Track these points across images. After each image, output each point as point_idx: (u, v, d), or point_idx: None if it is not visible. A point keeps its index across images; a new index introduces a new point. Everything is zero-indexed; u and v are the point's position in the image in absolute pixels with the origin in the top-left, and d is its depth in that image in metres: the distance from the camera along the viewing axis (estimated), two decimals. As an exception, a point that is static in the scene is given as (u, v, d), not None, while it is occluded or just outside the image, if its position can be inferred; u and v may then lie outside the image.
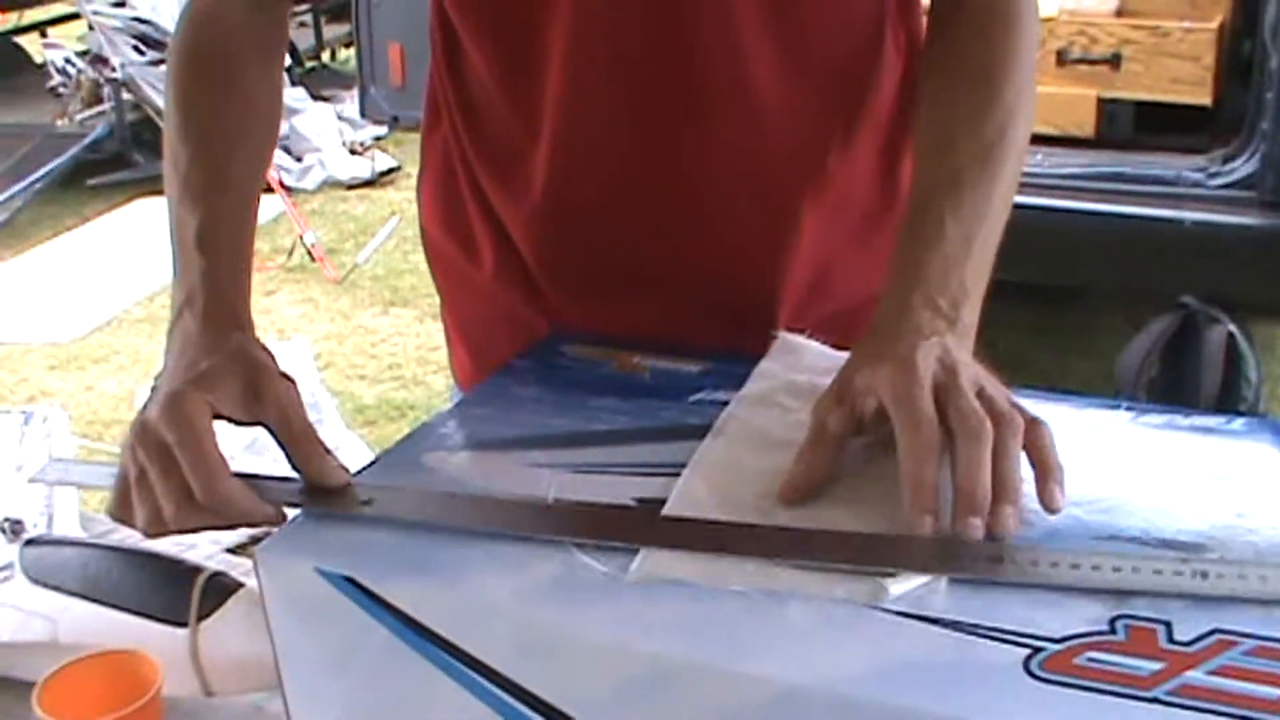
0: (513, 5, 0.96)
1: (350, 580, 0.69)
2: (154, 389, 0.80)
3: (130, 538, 1.24)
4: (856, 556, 0.67)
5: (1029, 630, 0.62)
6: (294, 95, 5.77)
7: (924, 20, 1.02)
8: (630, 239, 1.00)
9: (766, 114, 0.97)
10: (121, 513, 0.79)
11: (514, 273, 1.05)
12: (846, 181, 1.02)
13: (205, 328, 0.83)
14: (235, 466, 0.77)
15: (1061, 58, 2.88)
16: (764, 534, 0.70)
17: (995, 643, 0.61)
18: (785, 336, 0.92)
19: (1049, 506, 0.70)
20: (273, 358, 0.82)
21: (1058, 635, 0.61)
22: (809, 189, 1.00)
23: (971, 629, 0.62)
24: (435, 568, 0.70)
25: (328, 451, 0.78)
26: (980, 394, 0.73)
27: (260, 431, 0.80)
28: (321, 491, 0.78)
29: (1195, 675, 0.58)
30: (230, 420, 0.79)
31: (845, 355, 0.82)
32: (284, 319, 4.30)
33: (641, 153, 0.98)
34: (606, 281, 1.02)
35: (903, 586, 0.65)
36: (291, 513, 0.77)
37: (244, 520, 0.76)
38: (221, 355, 0.80)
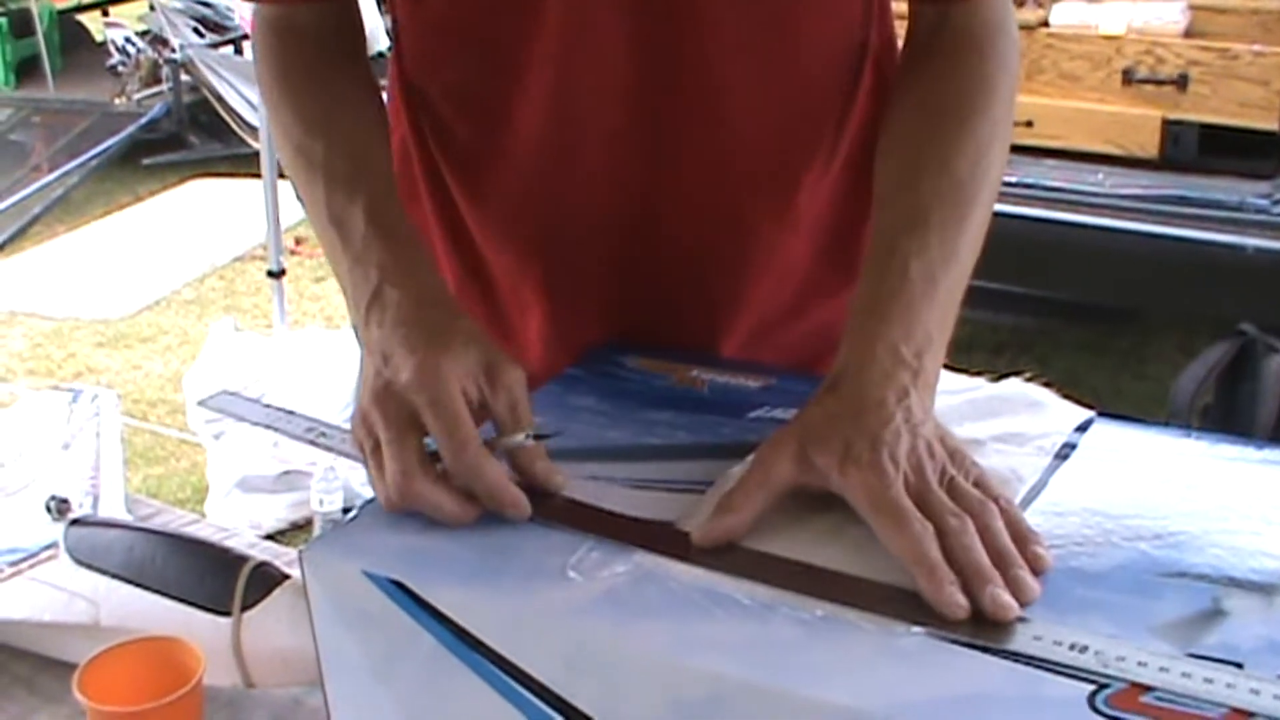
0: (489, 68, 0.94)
1: (398, 585, 0.68)
2: (374, 373, 0.77)
3: (175, 521, 1.24)
4: (880, 606, 0.65)
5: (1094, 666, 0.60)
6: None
7: (895, 37, 0.99)
8: (591, 255, 0.99)
9: (742, 145, 0.95)
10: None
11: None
12: (819, 201, 0.99)
13: (424, 305, 0.81)
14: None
15: (1127, 77, 2.85)
16: (788, 569, 0.68)
17: (1061, 677, 0.60)
18: None
19: (1036, 569, 0.68)
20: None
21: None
22: (781, 213, 0.98)
23: (1038, 663, 0.61)
24: (486, 575, 0.69)
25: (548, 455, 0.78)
26: (950, 486, 0.71)
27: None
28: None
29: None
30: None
31: (957, 378, 0.81)
32: (333, 306, 4.32)
33: (612, 186, 0.96)
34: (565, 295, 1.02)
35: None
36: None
37: (486, 497, 0.74)
38: (456, 334, 0.79)
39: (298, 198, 0.94)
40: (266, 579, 0.93)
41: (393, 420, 0.75)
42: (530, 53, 0.91)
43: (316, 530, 2.84)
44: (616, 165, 0.94)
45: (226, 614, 0.92)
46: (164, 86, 5.89)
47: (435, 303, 0.82)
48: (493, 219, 1.01)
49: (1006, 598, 0.65)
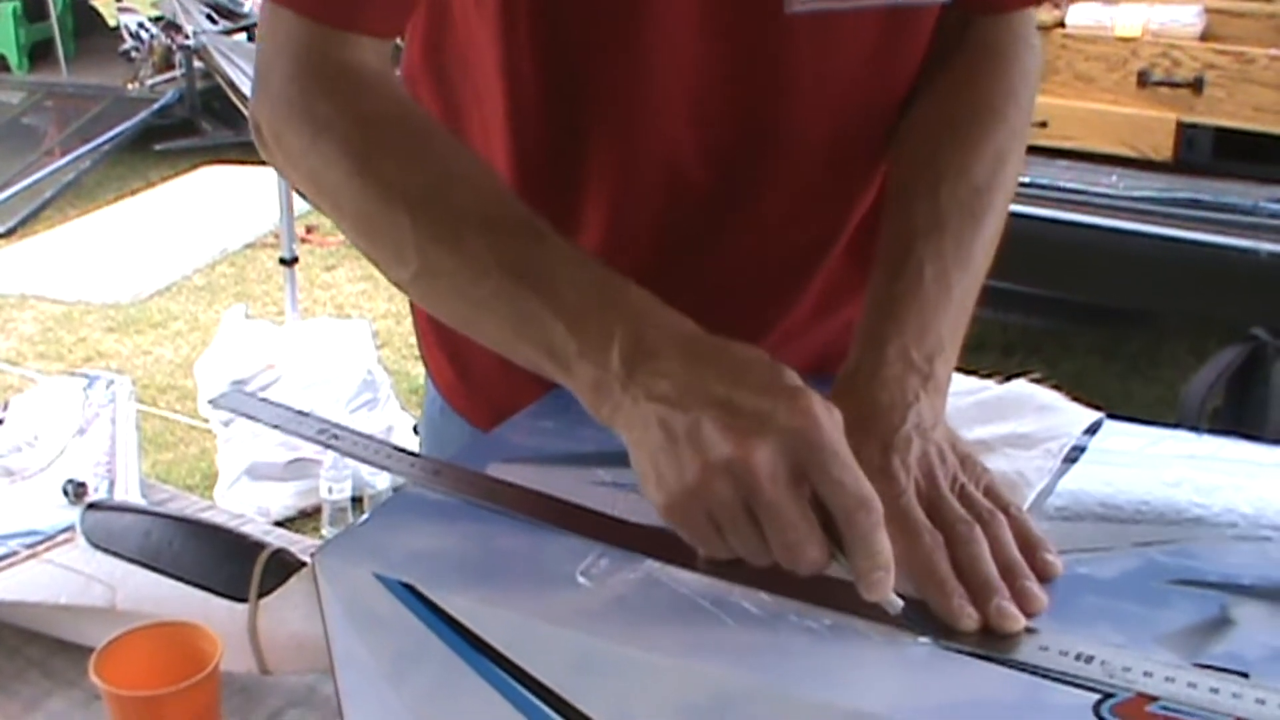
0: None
1: (409, 588, 0.69)
2: (718, 425, 0.62)
3: (190, 507, 1.25)
4: (888, 616, 0.65)
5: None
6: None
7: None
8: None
9: (814, 174, 0.94)
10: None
11: None
12: (870, 217, 0.99)
13: (698, 337, 0.68)
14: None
15: (1143, 79, 2.84)
16: (796, 576, 0.66)
17: (1067, 686, 0.60)
18: None
19: (1046, 576, 0.68)
20: None
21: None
22: (832, 238, 0.98)
23: (1044, 672, 0.61)
24: (497, 580, 0.69)
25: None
26: (961, 493, 0.72)
27: None
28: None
29: (1275, 730, 0.57)
30: None
31: (964, 380, 0.82)
32: (343, 296, 4.33)
33: (674, 202, 0.93)
34: None
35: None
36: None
37: (867, 563, 0.63)
38: (779, 365, 0.66)
39: (406, 271, 0.77)
40: (283, 565, 0.93)
41: (781, 470, 0.62)
42: (602, 60, 0.87)
43: (325, 518, 2.85)
44: (680, 176, 0.91)
45: (243, 600, 0.93)
46: (177, 72, 5.91)
47: (701, 332, 0.69)
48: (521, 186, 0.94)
49: (1013, 610, 0.65)
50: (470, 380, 1.05)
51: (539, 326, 0.71)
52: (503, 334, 0.74)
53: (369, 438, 0.84)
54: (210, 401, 0.95)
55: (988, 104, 0.90)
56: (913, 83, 0.94)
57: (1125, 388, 3.39)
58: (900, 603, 0.64)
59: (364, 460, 0.83)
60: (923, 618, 0.65)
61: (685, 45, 0.86)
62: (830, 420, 0.63)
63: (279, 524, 2.81)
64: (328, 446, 0.85)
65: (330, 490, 2.80)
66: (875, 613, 0.65)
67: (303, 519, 2.94)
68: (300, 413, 0.88)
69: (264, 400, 0.92)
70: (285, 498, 2.95)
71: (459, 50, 0.93)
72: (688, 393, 0.64)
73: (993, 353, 3.38)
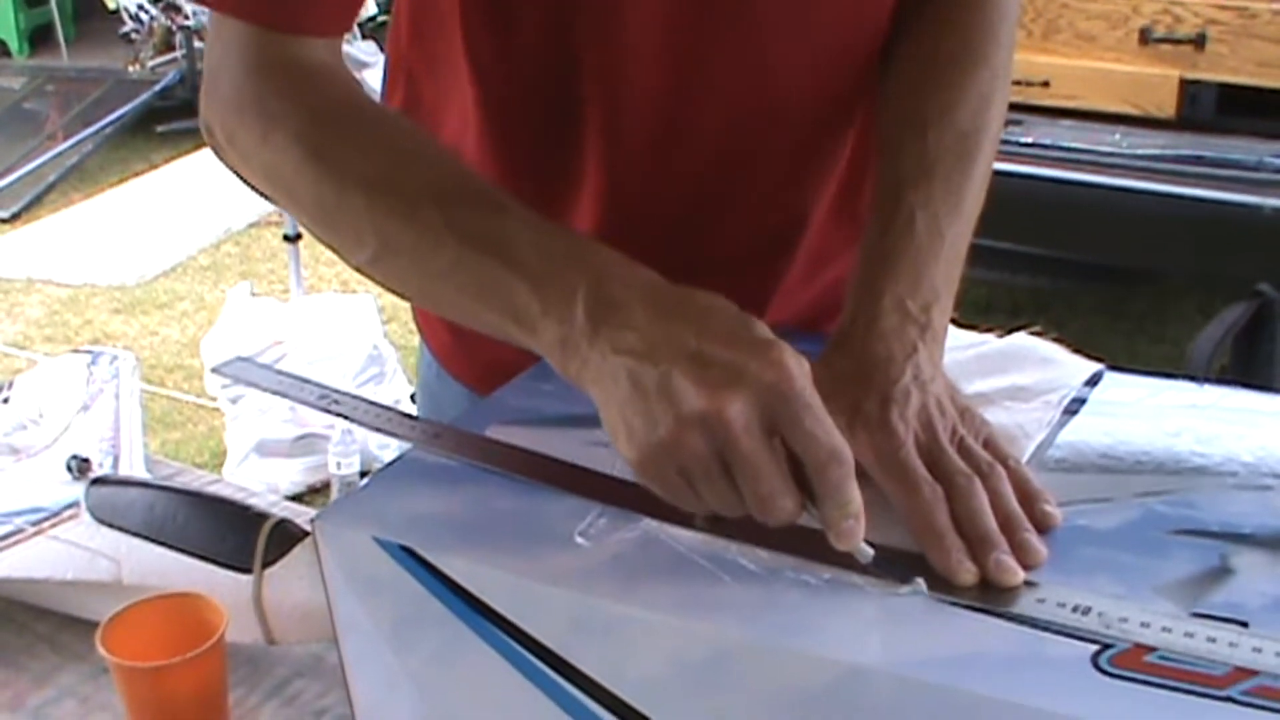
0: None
1: (408, 551, 0.69)
2: (690, 379, 0.62)
3: (195, 481, 1.25)
4: (885, 570, 0.65)
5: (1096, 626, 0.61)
6: (364, 49, 5.79)
7: None
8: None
9: (799, 135, 0.93)
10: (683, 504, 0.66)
11: None
12: (840, 167, 0.98)
13: (666, 287, 0.67)
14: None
15: (1145, 36, 2.83)
16: (793, 533, 0.66)
17: (1066, 638, 0.60)
18: None
19: (1044, 527, 0.68)
20: None
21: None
22: (818, 188, 0.97)
23: (1041, 625, 0.61)
24: (495, 542, 0.69)
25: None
26: (960, 446, 0.71)
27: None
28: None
29: (1273, 677, 0.57)
30: None
31: (965, 334, 0.81)
32: (348, 272, 4.29)
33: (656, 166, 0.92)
34: None
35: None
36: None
37: (837, 516, 0.63)
38: (750, 318, 0.65)
39: (371, 250, 0.77)
40: (287, 536, 0.94)
41: (754, 422, 0.61)
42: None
43: (334, 493, 2.86)
44: (667, 149, 0.91)
45: (247, 571, 0.93)
46: (177, 53, 5.90)
47: (664, 282, 0.68)
48: (509, 174, 0.95)
49: (1011, 563, 0.64)
50: (464, 341, 1.05)
51: (501, 291, 0.70)
52: (466, 303, 0.73)
53: (369, 402, 0.84)
54: (214, 369, 0.95)
55: (967, 46, 0.89)
56: (890, 29, 0.93)
57: (1131, 346, 3.38)
58: (871, 551, 0.64)
59: (365, 424, 0.83)
60: (921, 570, 0.65)
61: (659, 6, 0.85)
62: (801, 372, 0.62)
63: (289, 499, 2.82)
64: (328, 412, 0.85)
65: (339, 465, 2.81)
66: (874, 566, 0.65)
67: (312, 494, 2.94)
68: (301, 379, 0.88)
69: (266, 368, 0.92)
70: (294, 474, 2.96)
71: (440, 16, 0.93)
72: (656, 345, 0.63)
73: (999, 314, 3.37)
